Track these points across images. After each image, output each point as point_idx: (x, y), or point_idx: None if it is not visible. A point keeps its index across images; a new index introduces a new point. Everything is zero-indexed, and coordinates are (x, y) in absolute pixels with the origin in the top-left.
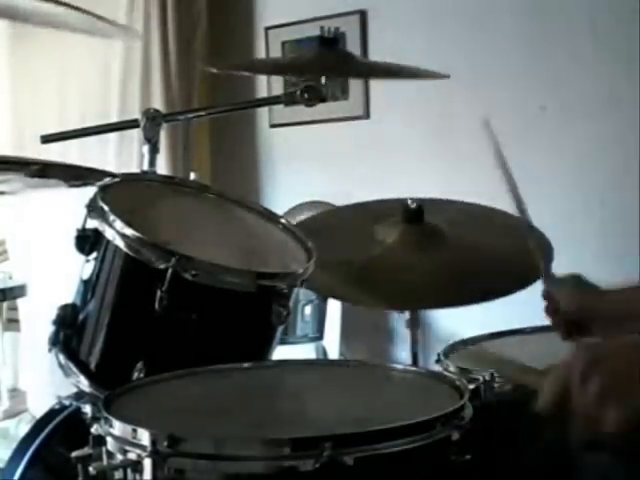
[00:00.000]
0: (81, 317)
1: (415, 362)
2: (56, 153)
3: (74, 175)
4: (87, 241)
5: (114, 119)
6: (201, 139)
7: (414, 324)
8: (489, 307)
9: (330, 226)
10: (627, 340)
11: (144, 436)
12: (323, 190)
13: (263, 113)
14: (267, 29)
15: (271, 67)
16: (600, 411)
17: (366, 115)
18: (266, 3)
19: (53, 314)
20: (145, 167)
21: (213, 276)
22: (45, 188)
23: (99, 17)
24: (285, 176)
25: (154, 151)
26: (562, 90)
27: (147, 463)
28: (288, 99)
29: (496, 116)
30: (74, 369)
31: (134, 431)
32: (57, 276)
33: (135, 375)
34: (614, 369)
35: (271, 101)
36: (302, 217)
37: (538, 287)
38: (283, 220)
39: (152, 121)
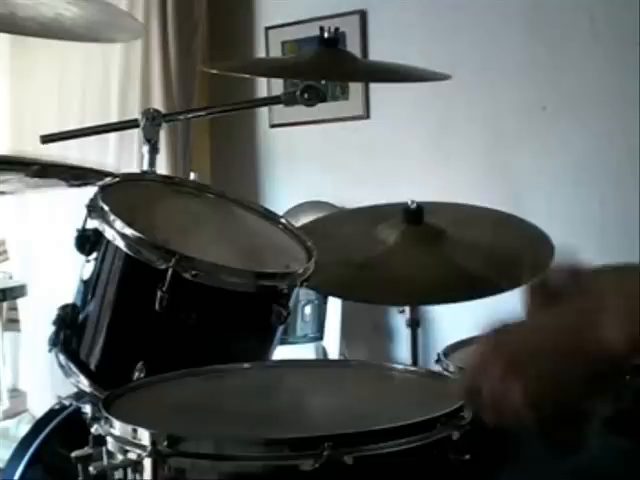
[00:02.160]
0: (81, 317)
1: (415, 362)
2: (55, 153)
3: (74, 175)
4: (87, 241)
5: (114, 119)
6: (201, 139)
7: (414, 324)
8: (489, 307)
9: (331, 226)
10: (529, 323)
11: (144, 436)
12: (323, 190)
13: (263, 113)
14: (267, 29)
15: (270, 69)
16: (504, 387)
17: (366, 115)
18: (266, 3)
19: (53, 314)
20: (145, 167)
21: (213, 276)
22: (45, 188)
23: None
24: (285, 176)
25: (154, 151)
26: (562, 90)
27: (147, 463)
28: (288, 99)
29: (496, 116)
30: (74, 369)
31: (134, 431)
32: (57, 276)
33: (135, 375)
34: (515, 348)
35: (271, 101)
36: (302, 217)
37: None
38: (283, 220)
39: (152, 121)
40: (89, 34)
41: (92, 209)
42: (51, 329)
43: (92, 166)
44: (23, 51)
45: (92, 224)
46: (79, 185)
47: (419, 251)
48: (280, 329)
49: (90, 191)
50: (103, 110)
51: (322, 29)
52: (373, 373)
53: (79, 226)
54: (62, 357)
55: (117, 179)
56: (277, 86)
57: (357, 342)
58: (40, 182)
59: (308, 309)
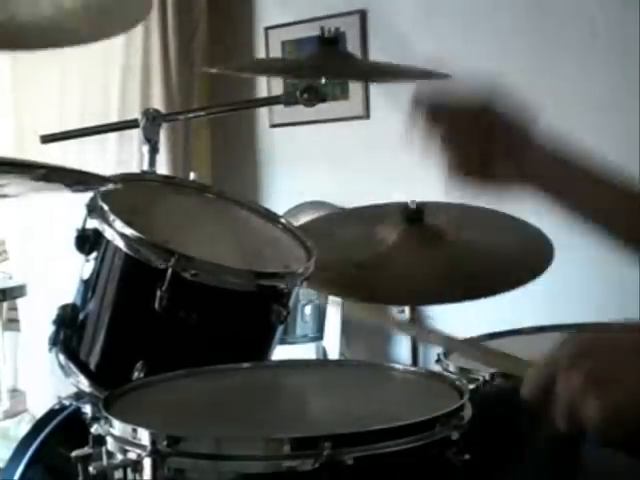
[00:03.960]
0: (81, 317)
1: (415, 362)
2: (56, 153)
3: (78, 180)
4: (87, 241)
5: (114, 119)
6: (201, 139)
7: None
8: (489, 307)
9: (331, 226)
10: (616, 335)
11: (144, 436)
12: (323, 190)
13: (263, 113)
14: (267, 29)
15: (270, 69)
16: (582, 399)
17: (366, 115)
18: (266, 3)
19: (53, 314)
20: (145, 167)
21: (213, 276)
22: (48, 191)
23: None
24: (285, 176)
25: (154, 151)
26: (562, 90)
27: (147, 463)
28: (288, 99)
29: None
30: (74, 369)
31: (134, 431)
32: (57, 276)
33: (135, 375)
34: (600, 361)
35: (271, 101)
36: (302, 217)
37: (538, 287)
38: (283, 220)
39: (152, 121)
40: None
41: (92, 209)
42: (51, 329)
43: (96, 172)
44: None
45: (92, 224)
46: (82, 190)
47: (419, 251)
48: (280, 329)
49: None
50: (103, 110)
51: (322, 29)
52: (373, 373)
53: (79, 226)
54: (62, 357)
55: (117, 179)
56: (277, 86)
57: (357, 342)
58: (44, 186)
59: (308, 309)
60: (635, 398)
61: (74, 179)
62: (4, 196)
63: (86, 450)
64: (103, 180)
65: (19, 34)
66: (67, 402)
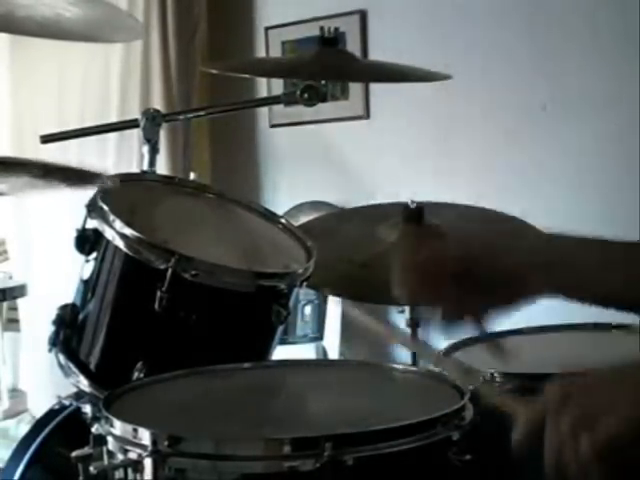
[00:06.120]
0: (81, 317)
1: (415, 362)
2: (55, 153)
3: (77, 178)
4: (87, 241)
5: (114, 119)
6: (201, 139)
7: (414, 324)
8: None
9: (331, 227)
10: (602, 373)
11: (145, 436)
12: (323, 190)
13: (263, 113)
14: (267, 29)
15: (270, 69)
16: (574, 442)
17: (366, 115)
18: (266, 3)
19: (53, 314)
20: (145, 167)
21: (213, 276)
22: (45, 189)
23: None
24: (285, 176)
25: (154, 151)
26: (563, 89)
27: (148, 463)
28: (288, 99)
29: (496, 116)
30: (74, 369)
31: (135, 431)
32: (57, 276)
33: (135, 375)
34: (586, 401)
35: (271, 101)
36: (302, 217)
37: None
38: (283, 220)
39: (152, 121)
40: (89, 34)
41: (92, 209)
42: (51, 329)
43: (95, 170)
44: (23, 51)
45: (92, 224)
46: (80, 187)
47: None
48: (280, 329)
49: (90, 191)
50: (103, 110)
51: (322, 29)
52: (373, 373)
53: (79, 226)
54: (62, 357)
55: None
56: (277, 86)
57: (357, 342)
58: (42, 184)
59: (308, 309)
60: (630, 424)
61: (73, 177)
62: (1, 194)
63: (86, 450)
64: (100, 178)
65: (17, 24)
66: (67, 402)
